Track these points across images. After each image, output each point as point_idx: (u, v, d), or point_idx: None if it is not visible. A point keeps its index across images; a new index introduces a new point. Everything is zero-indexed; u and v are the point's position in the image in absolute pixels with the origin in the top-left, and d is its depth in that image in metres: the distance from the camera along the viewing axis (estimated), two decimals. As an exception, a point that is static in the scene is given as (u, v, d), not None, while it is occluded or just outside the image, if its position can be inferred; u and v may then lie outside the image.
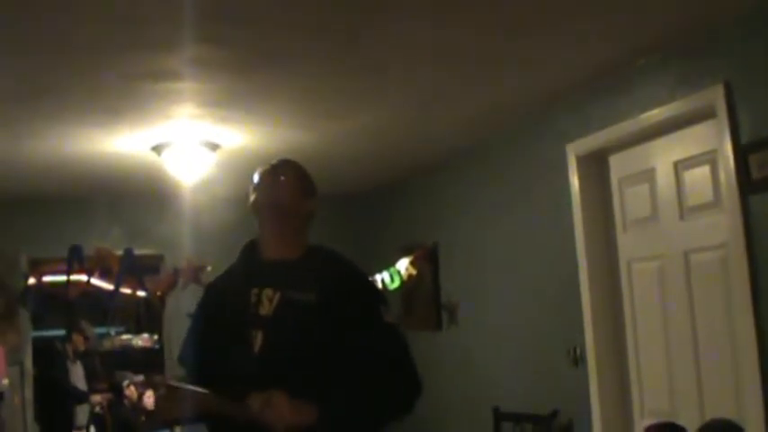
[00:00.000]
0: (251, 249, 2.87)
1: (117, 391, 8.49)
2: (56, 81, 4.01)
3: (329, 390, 2.56)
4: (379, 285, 5.75)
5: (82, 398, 7.84)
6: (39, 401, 7.23)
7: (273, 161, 2.86)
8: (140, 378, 9.31)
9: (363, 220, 7.78)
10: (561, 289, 4.96)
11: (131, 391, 8.59)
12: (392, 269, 6.02)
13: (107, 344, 10.07)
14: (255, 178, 2.82)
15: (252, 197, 2.80)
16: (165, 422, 2.54)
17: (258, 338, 2.64)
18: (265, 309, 2.67)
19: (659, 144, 4.30)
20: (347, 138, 5.50)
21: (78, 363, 8.12)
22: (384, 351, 2.68)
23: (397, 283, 6.00)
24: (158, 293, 6.24)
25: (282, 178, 2.80)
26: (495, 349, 5.80)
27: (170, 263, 6.77)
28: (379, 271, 5.89)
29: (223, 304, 2.83)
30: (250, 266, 2.83)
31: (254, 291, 2.71)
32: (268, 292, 2.69)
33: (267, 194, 2.77)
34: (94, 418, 8.05)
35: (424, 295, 6.74)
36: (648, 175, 4.38)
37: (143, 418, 9.00)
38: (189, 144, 5.25)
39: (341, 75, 4.24)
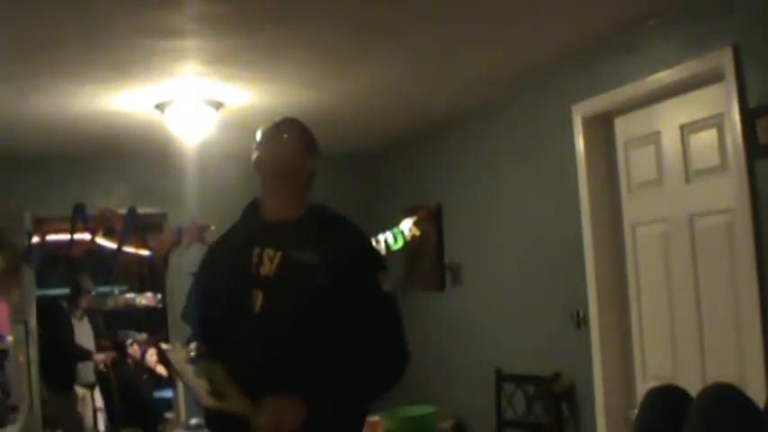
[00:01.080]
0: (253, 209, 2.88)
1: (120, 349, 8.54)
2: (59, 37, 3.98)
3: (321, 360, 2.59)
4: (383, 245, 5.75)
5: (84, 356, 7.89)
6: (43, 359, 7.30)
7: (276, 119, 2.85)
8: (143, 336, 9.37)
9: (368, 180, 7.77)
10: (565, 251, 4.95)
11: (134, 350, 8.65)
12: (396, 229, 6.01)
13: (110, 302, 10.13)
14: (258, 136, 2.82)
15: (254, 155, 2.80)
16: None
17: (259, 298, 2.65)
18: (266, 268, 2.68)
19: (666, 107, 4.27)
20: (352, 97, 5.47)
21: (85, 320, 8.17)
22: (376, 318, 2.70)
23: (400, 244, 6.00)
24: (162, 252, 6.23)
25: (285, 136, 2.80)
26: (498, 310, 5.81)
27: (174, 222, 6.77)
28: (383, 231, 5.88)
29: (225, 263, 2.84)
30: (252, 226, 2.84)
31: (256, 250, 2.71)
32: (269, 251, 2.70)
33: (269, 152, 2.77)
34: (98, 377, 8.10)
35: (427, 256, 6.74)
36: (654, 138, 4.35)
37: (146, 375, 9.08)
38: (193, 102, 5.22)
39: (346, 32, 4.20)
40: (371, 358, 2.66)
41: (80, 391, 7.90)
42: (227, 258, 2.85)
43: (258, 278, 2.68)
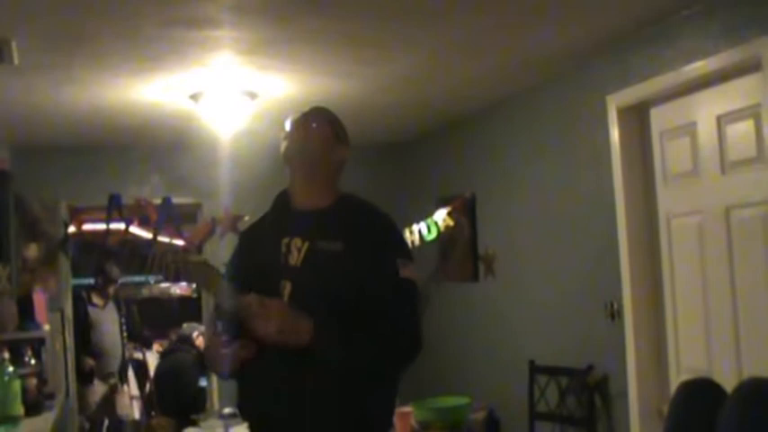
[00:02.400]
0: (283, 199, 2.89)
1: (185, 341, 8.49)
2: (94, 28, 4.00)
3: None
4: (417, 236, 5.75)
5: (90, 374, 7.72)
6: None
7: (305, 109, 2.85)
8: (203, 329, 9.35)
9: (401, 170, 7.75)
10: (599, 242, 4.92)
11: (201, 342, 8.63)
12: (429, 220, 6.01)
13: (145, 292, 10.19)
14: (287, 126, 2.83)
15: (283, 145, 2.81)
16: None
17: (287, 288, 2.66)
18: (294, 259, 2.70)
19: (702, 97, 4.21)
20: (386, 87, 5.45)
21: (110, 309, 8.06)
22: (391, 302, 2.67)
23: (434, 234, 6.00)
24: (195, 242, 6.27)
25: (314, 125, 2.80)
26: (532, 302, 5.79)
27: (207, 212, 6.81)
28: (416, 222, 5.88)
29: (255, 254, 2.86)
30: (281, 216, 2.85)
31: (285, 240, 2.73)
32: (297, 241, 2.71)
33: (297, 142, 2.78)
34: (134, 365, 8.10)
35: (461, 246, 6.72)
36: (690, 129, 4.30)
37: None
38: (226, 93, 5.24)
39: (380, 22, 4.20)
40: (379, 342, 2.62)
41: (112, 381, 7.84)
42: (257, 248, 2.86)
43: (286, 268, 2.69)
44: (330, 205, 2.78)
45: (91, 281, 8.07)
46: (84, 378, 7.49)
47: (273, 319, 2.51)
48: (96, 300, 7.88)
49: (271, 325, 2.51)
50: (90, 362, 7.52)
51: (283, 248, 2.71)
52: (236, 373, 2.70)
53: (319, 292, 2.63)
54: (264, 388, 2.66)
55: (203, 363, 8.58)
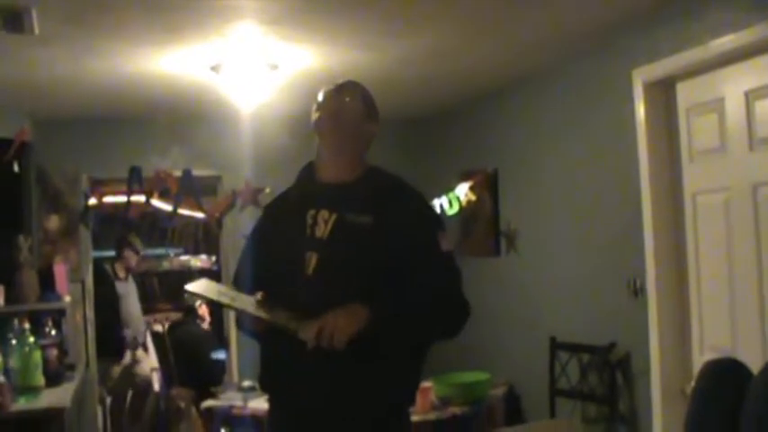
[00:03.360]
0: (309, 171, 2.88)
1: (190, 312, 8.53)
2: (114, -2, 3.98)
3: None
4: (438, 211, 5.72)
5: (124, 344, 7.78)
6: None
7: (339, 81, 2.84)
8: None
9: (424, 144, 7.71)
10: (623, 219, 4.88)
11: (204, 311, 8.67)
12: (451, 194, 5.98)
13: (165, 265, 10.21)
14: (320, 97, 2.81)
15: (315, 116, 2.79)
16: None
17: (313, 260, 2.65)
18: (321, 230, 2.69)
19: (730, 72, 4.14)
20: (410, 60, 5.41)
21: (131, 281, 8.16)
22: (435, 279, 2.68)
23: (455, 209, 5.97)
24: (216, 215, 6.26)
25: (347, 99, 2.79)
26: (554, 278, 5.76)
27: (228, 184, 6.79)
28: (438, 196, 5.85)
29: (279, 225, 2.85)
30: (307, 188, 2.83)
31: (311, 212, 2.72)
32: (324, 213, 2.70)
33: (331, 114, 2.76)
34: (154, 337, 8.15)
35: (483, 221, 6.69)
36: (718, 105, 4.23)
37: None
38: (248, 64, 5.20)
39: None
40: (431, 300, 2.63)
41: (137, 353, 7.93)
42: (282, 220, 2.85)
43: (313, 240, 2.69)
44: (358, 178, 2.78)
45: (112, 253, 8.10)
46: (116, 350, 7.61)
47: (339, 329, 2.47)
48: (120, 272, 7.96)
49: (340, 334, 2.46)
50: (128, 331, 7.68)
51: (309, 220, 2.71)
52: (263, 333, 2.69)
53: (346, 264, 2.63)
54: (288, 360, 2.66)
55: (214, 333, 8.69)
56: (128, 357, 7.76)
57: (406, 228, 2.66)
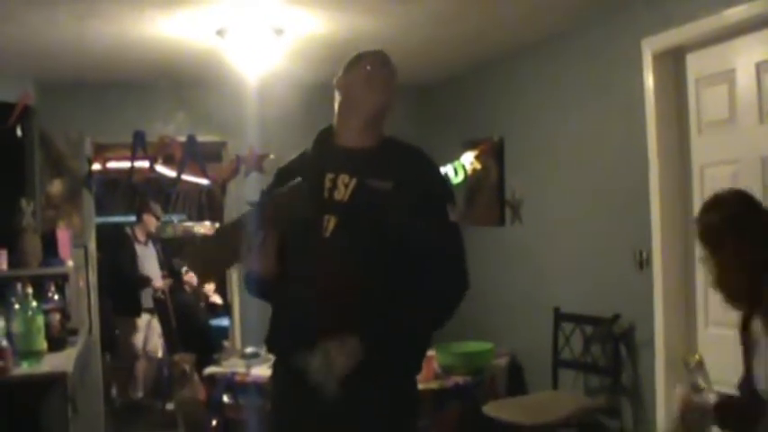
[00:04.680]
0: (326, 135, 2.90)
1: (176, 277, 8.63)
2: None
3: (385, 286, 2.63)
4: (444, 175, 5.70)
5: (144, 283, 7.99)
6: (107, 284, 7.52)
7: (377, 52, 2.86)
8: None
9: (429, 112, 7.66)
10: (630, 190, 4.84)
11: (190, 277, 8.71)
12: (456, 163, 5.95)
13: (169, 231, 10.20)
14: (367, 67, 2.81)
15: (345, 78, 2.83)
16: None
17: (331, 222, 2.69)
18: (341, 194, 2.72)
19: (741, 43, 4.10)
20: (417, 25, 5.35)
21: (150, 246, 8.31)
22: (442, 246, 2.73)
23: (460, 178, 5.94)
24: (220, 181, 6.24)
25: (393, 78, 2.83)
26: (558, 248, 5.73)
27: (232, 150, 6.76)
28: (444, 165, 5.81)
29: None
30: (324, 152, 2.85)
31: (330, 176, 2.75)
32: (344, 177, 2.73)
33: (382, 91, 2.79)
34: (156, 303, 8.19)
35: (487, 190, 6.65)
36: (728, 76, 4.19)
37: (203, 303, 9.16)
38: (253, 28, 5.15)
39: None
40: (432, 283, 2.69)
41: (145, 316, 8.06)
42: None
43: (332, 203, 2.72)
44: (378, 145, 2.81)
45: (117, 219, 8.23)
46: (135, 309, 7.98)
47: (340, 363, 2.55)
48: (140, 236, 8.21)
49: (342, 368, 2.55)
50: (158, 287, 8.08)
51: (328, 183, 2.74)
52: (271, 273, 2.71)
53: (364, 227, 2.67)
54: (296, 321, 2.68)
55: (201, 300, 8.85)
56: (144, 318, 8.02)
57: (424, 197, 2.70)
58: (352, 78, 2.80)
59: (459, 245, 2.80)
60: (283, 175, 2.97)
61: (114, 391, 8.02)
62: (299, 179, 2.64)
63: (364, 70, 2.80)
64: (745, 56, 4.07)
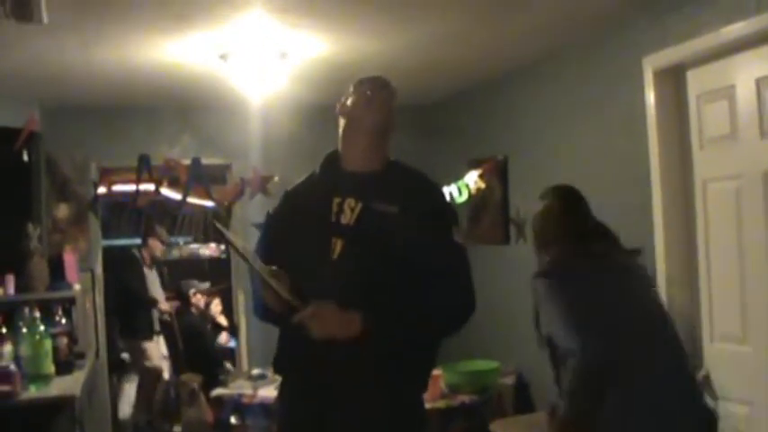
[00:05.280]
0: (332, 160, 2.95)
1: (183, 299, 8.65)
2: (123, -14, 3.98)
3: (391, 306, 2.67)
4: (448, 198, 5.72)
5: (151, 305, 8.02)
6: (115, 307, 7.54)
7: (376, 77, 2.93)
8: (206, 286, 9.47)
9: (433, 131, 7.67)
10: (633, 207, 4.85)
11: (198, 299, 8.74)
12: (460, 182, 5.98)
13: (174, 253, 10.24)
14: (361, 87, 2.88)
15: (350, 101, 2.88)
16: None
17: (338, 246, 2.74)
18: (347, 218, 2.77)
19: (741, 59, 4.12)
20: (419, 46, 5.38)
21: (154, 269, 8.32)
22: (448, 267, 2.77)
23: (465, 197, 5.96)
24: (225, 203, 6.27)
25: (393, 99, 2.89)
26: (563, 267, 5.73)
27: (237, 173, 6.79)
28: (448, 184, 5.83)
29: (302, 210, 2.91)
30: (331, 176, 2.90)
31: (336, 200, 2.80)
32: (350, 201, 2.78)
33: (381, 110, 2.85)
34: (162, 325, 8.22)
35: (492, 209, 6.66)
36: (728, 92, 4.20)
37: (209, 325, 9.19)
38: (257, 52, 5.18)
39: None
40: (438, 301, 2.72)
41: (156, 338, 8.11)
42: (304, 206, 2.92)
43: (338, 227, 2.77)
44: (383, 169, 2.86)
45: (123, 242, 8.28)
46: (149, 329, 8.00)
47: (328, 325, 2.59)
48: (146, 259, 8.26)
49: (326, 330, 2.59)
50: (166, 310, 8.11)
51: (335, 207, 2.79)
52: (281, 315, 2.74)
53: (371, 251, 2.71)
54: (304, 342, 2.69)
55: (208, 322, 8.89)
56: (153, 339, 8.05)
57: (429, 221, 2.75)
58: (353, 102, 2.86)
59: (466, 266, 2.84)
60: (291, 197, 3.02)
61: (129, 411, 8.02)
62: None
63: (364, 94, 2.85)
64: (744, 72, 4.09)
